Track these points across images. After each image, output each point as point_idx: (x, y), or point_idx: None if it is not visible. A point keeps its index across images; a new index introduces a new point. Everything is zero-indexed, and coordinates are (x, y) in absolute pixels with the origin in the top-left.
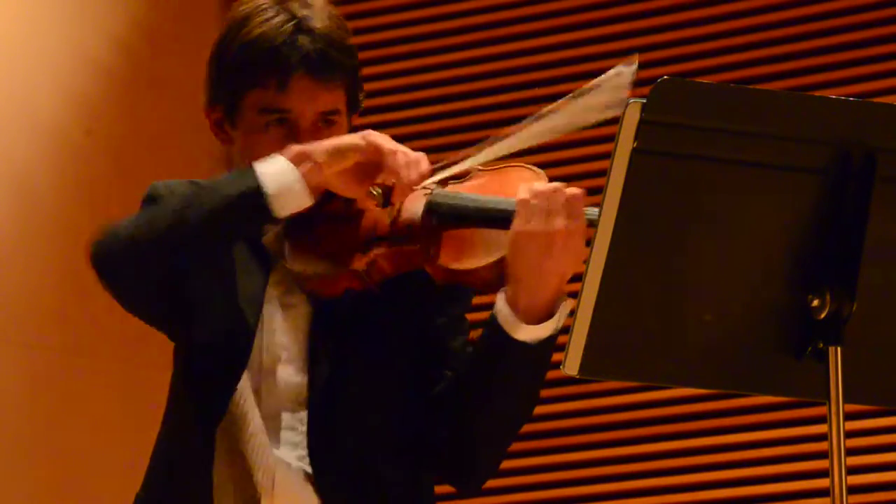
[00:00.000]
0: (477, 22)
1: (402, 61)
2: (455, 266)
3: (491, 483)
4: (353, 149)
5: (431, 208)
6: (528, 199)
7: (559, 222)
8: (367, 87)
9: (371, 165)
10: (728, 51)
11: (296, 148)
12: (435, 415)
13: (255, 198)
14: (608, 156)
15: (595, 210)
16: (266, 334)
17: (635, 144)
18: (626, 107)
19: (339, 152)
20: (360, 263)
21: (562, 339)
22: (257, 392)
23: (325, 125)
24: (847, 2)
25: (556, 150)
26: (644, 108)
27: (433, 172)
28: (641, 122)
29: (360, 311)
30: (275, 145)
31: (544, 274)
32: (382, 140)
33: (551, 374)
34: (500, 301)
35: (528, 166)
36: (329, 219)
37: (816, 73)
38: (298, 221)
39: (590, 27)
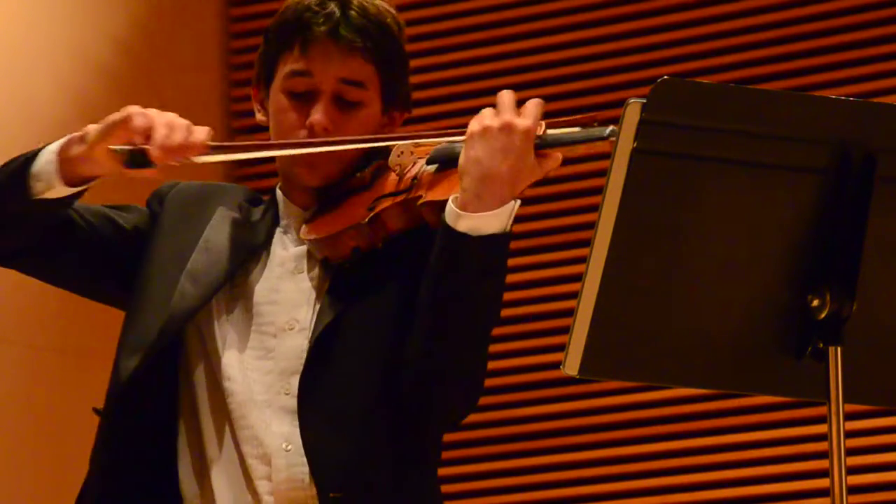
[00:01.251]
0: (477, 22)
1: None
2: (440, 198)
3: (491, 483)
4: (114, 121)
5: (431, 157)
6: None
7: (505, 117)
8: None
9: (142, 137)
10: (728, 51)
11: (84, 129)
12: (408, 345)
13: (20, 175)
14: (608, 156)
15: (554, 133)
16: (279, 310)
17: (635, 144)
18: (627, 107)
19: (105, 127)
20: (362, 217)
21: (562, 339)
22: (264, 367)
23: (349, 99)
24: (847, 2)
25: None
26: (644, 108)
27: (220, 149)
28: (641, 122)
29: (368, 273)
30: (297, 111)
31: (489, 169)
32: (145, 110)
33: (551, 375)
34: (450, 201)
35: None
36: (349, 193)
37: (816, 73)
38: (322, 202)
39: (590, 27)
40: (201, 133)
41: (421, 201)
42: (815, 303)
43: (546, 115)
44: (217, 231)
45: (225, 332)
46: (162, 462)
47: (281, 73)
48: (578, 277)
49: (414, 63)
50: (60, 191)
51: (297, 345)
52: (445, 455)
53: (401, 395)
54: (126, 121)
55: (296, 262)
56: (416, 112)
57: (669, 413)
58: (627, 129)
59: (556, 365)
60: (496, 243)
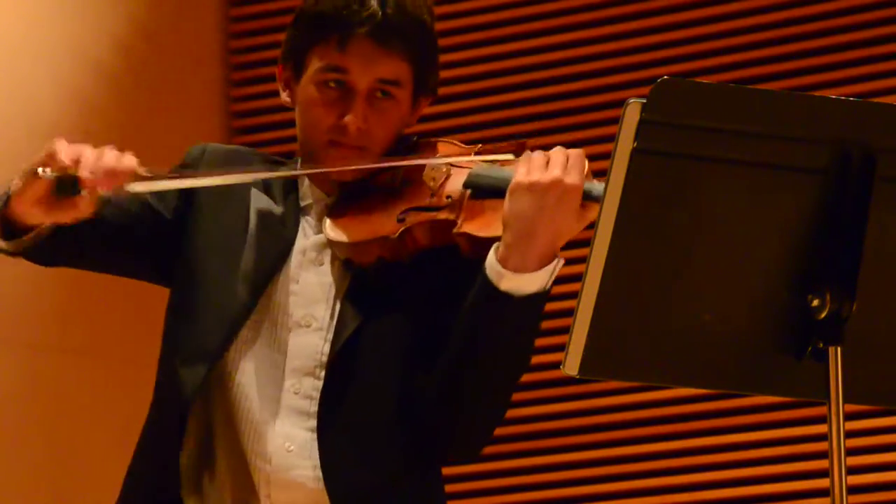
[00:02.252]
0: (476, 22)
1: None
2: (479, 233)
3: (491, 483)
4: (36, 159)
5: (470, 181)
6: (531, 153)
7: (556, 174)
8: None
9: (61, 159)
10: (728, 51)
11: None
12: (431, 376)
13: None
14: (608, 156)
15: (599, 185)
16: (298, 302)
17: (635, 144)
18: (627, 107)
19: (29, 168)
20: (392, 230)
21: (562, 339)
22: (276, 360)
23: (383, 96)
24: (847, 2)
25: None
26: (644, 107)
27: (149, 179)
28: (641, 122)
29: (391, 282)
30: (329, 106)
31: (535, 226)
32: (64, 142)
33: (551, 374)
34: (491, 253)
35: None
36: (376, 191)
37: (816, 73)
38: (347, 193)
39: (590, 27)
40: (130, 160)
41: (457, 230)
42: (815, 303)
43: (547, 116)
44: (262, 222)
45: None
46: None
47: (315, 64)
48: (578, 277)
49: None
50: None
51: (311, 343)
52: None
53: (418, 420)
54: (50, 155)
55: (317, 253)
56: None
57: (669, 413)
58: (627, 129)
59: (556, 365)
60: (536, 302)
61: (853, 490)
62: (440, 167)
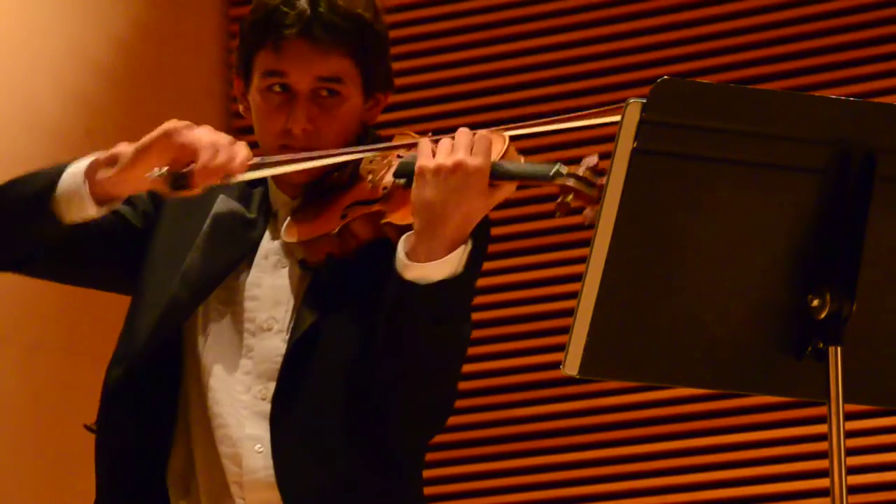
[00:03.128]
0: (476, 22)
1: (400, 62)
2: (400, 222)
3: (491, 483)
4: (151, 141)
5: (398, 170)
6: (431, 137)
7: (459, 156)
8: None
9: (183, 157)
10: (728, 51)
11: (112, 150)
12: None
13: (44, 200)
14: (608, 156)
15: (507, 163)
16: (259, 306)
17: (635, 144)
18: (627, 106)
19: (142, 148)
20: (335, 225)
21: (562, 339)
22: (243, 365)
23: (329, 94)
24: (847, 2)
25: (555, 150)
26: (644, 107)
27: (259, 166)
28: (641, 122)
29: (344, 280)
30: (275, 111)
31: (443, 211)
32: (184, 125)
33: (551, 375)
34: (401, 242)
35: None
36: (330, 190)
37: (816, 73)
38: (308, 195)
39: (590, 27)
40: (243, 151)
41: (384, 220)
42: (815, 303)
43: (545, 116)
44: (216, 225)
45: (214, 325)
46: (154, 466)
47: (257, 71)
48: (578, 277)
49: (413, 63)
50: (91, 213)
51: (273, 346)
52: (445, 455)
53: (370, 413)
54: (167, 137)
55: (279, 256)
56: (417, 112)
57: (669, 413)
58: (627, 129)
59: (556, 365)
60: (447, 288)
61: (853, 490)
62: (379, 161)
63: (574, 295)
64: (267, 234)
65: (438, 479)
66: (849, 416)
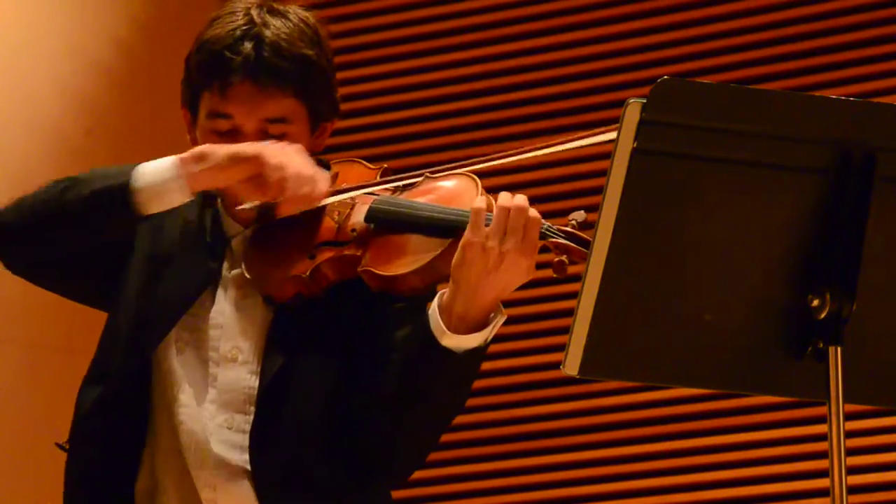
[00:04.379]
0: (476, 22)
1: (401, 61)
2: (382, 271)
3: (491, 483)
4: (245, 159)
5: (370, 214)
6: (483, 210)
7: (513, 242)
8: (366, 87)
9: (266, 177)
10: (728, 51)
11: (200, 148)
12: (364, 409)
13: (120, 193)
14: (608, 156)
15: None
16: (224, 336)
17: (635, 144)
18: (627, 107)
19: (235, 159)
20: (304, 269)
21: (562, 339)
22: (209, 395)
23: (275, 134)
24: (847, 2)
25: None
26: (644, 107)
27: (333, 193)
28: (641, 122)
29: (314, 315)
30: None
31: (485, 287)
32: (276, 153)
33: (551, 375)
34: (434, 303)
35: (470, 174)
36: (286, 225)
37: (816, 73)
38: (261, 226)
39: (590, 27)
40: (324, 182)
41: (362, 268)
42: (815, 303)
43: (547, 116)
44: (183, 249)
45: (181, 353)
46: (122, 486)
47: (203, 109)
48: (578, 277)
49: (413, 63)
50: (181, 200)
51: (240, 378)
52: (445, 455)
53: (350, 447)
54: (258, 160)
55: (238, 287)
56: (417, 112)
57: (669, 413)
58: (627, 129)
59: (556, 365)
60: (476, 355)
61: (853, 490)
62: (343, 202)
63: (574, 295)
64: (228, 262)
65: (439, 479)
66: (849, 416)
